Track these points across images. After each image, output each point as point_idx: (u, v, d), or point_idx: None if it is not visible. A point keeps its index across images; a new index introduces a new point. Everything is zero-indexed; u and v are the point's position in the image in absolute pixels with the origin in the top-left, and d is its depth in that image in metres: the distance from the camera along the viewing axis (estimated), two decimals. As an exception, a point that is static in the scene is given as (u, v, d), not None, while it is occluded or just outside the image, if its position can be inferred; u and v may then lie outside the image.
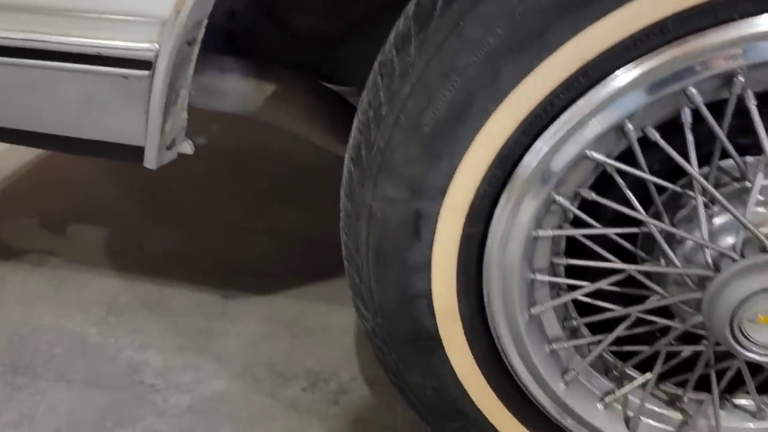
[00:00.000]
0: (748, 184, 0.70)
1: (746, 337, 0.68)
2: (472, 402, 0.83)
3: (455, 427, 0.87)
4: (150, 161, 0.83)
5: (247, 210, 1.66)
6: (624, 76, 0.63)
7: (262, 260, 1.48)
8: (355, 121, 0.75)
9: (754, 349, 0.68)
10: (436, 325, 0.79)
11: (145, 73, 0.71)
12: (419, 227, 0.73)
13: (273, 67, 0.99)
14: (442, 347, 0.80)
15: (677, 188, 0.71)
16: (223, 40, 1.06)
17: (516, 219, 0.72)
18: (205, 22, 0.71)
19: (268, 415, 1.10)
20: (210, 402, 1.13)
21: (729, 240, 0.70)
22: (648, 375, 0.82)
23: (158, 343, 1.26)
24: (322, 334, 1.28)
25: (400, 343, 0.82)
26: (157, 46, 0.69)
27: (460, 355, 0.81)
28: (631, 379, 0.83)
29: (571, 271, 0.80)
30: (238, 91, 0.96)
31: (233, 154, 1.89)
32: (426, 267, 0.76)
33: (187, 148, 0.89)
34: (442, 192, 0.71)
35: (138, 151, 0.84)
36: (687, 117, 0.67)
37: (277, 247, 1.52)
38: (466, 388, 0.83)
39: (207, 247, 1.53)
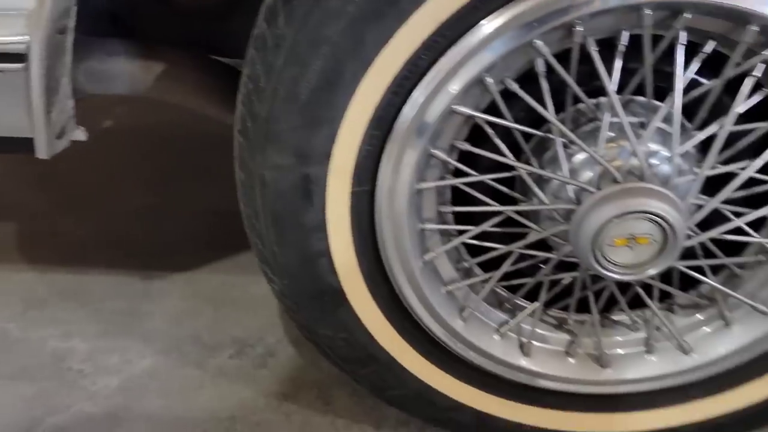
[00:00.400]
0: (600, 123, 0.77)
1: (607, 260, 0.76)
2: (381, 347, 0.90)
3: (369, 372, 0.93)
4: (41, 151, 0.84)
5: (158, 189, 1.66)
6: (476, 34, 0.68)
7: (178, 238, 1.50)
8: (239, 95, 0.78)
9: (614, 269, 0.77)
10: (339, 280, 0.84)
11: (20, 66, 0.71)
12: (310, 191, 0.78)
13: (159, 46, 1.00)
14: (347, 300, 0.86)
15: (539, 133, 0.78)
16: (107, 22, 1.05)
17: (399, 174, 0.77)
18: (74, 9, 0.71)
19: (197, 385, 1.14)
20: (139, 379, 1.16)
21: (587, 175, 0.78)
22: (536, 304, 0.91)
23: (82, 330, 1.27)
24: (245, 303, 1.32)
25: (308, 301, 0.87)
26: (27, 38, 0.69)
27: (364, 306, 0.87)
28: (522, 308, 0.92)
29: (461, 217, 0.87)
30: (127, 73, 0.97)
31: (139, 134, 1.87)
32: (322, 227, 0.81)
33: (79, 135, 0.90)
34: (327, 156, 0.75)
35: (29, 143, 0.85)
36: (540, 67, 0.73)
37: (191, 224, 1.53)
38: (373, 335, 0.89)
39: (122, 231, 1.53)
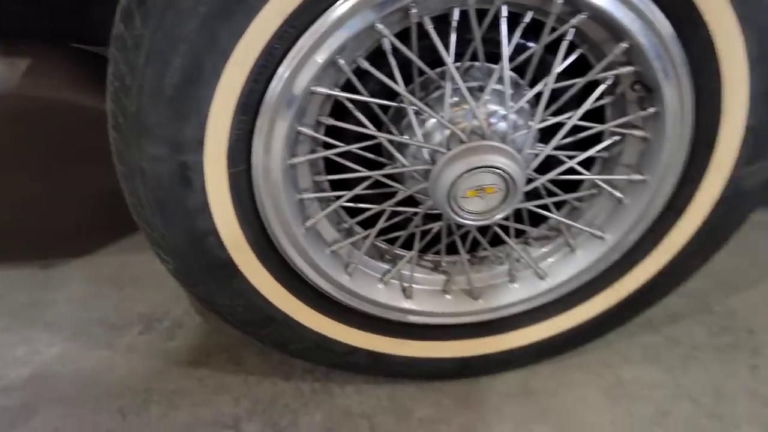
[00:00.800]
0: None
1: (462, 209, 0.88)
2: (277, 308, 0.99)
3: (270, 332, 1.02)
4: None
5: (44, 175, 1.63)
6: (322, 23, 0.75)
7: (72, 222, 1.50)
8: (107, 92, 0.81)
9: (469, 216, 0.88)
10: (229, 254, 0.91)
11: None
12: (189, 177, 0.83)
13: (21, 42, 0.99)
14: (239, 271, 0.93)
15: (393, 104, 0.87)
16: (-40, 19, 1.02)
17: (270, 153, 0.84)
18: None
19: (110, 364, 1.19)
20: (50, 367, 1.19)
21: (438, 137, 0.88)
22: (412, 252, 1.02)
23: (-17, 327, 1.28)
24: (148, 279, 1.36)
25: (202, 276, 0.93)
26: None
27: (256, 274, 0.94)
28: (401, 257, 1.03)
29: (336, 183, 0.95)
30: (-11, 72, 0.96)
31: (14, 120, 1.80)
32: (205, 208, 0.87)
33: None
34: (200, 143, 0.81)
35: None
36: (387, 46, 0.81)
37: (83, 207, 1.53)
38: (268, 298, 0.97)
39: (13, 222, 1.50)
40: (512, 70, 0.89)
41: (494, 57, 0.87)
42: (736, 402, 1.10)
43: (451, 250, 1.04)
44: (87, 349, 1.22)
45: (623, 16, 0.78)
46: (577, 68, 0.88)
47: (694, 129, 0.88)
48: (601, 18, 0.80)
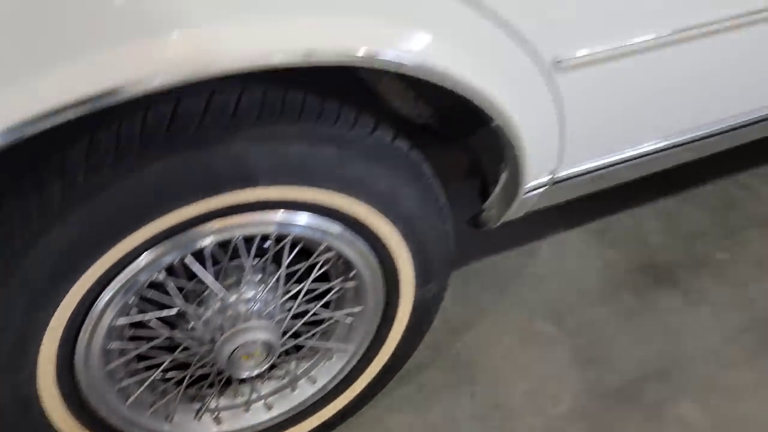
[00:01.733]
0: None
1: (241, 368, 1.25)
2: (119, 464, 1.29)
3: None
4: None
5: None
6: (116, 282, 1.07)
7: None
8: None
9: (248, 370, 1.26)
10: (70, 441, 1.21)
11: None
12: (29, 404, 1.11)
13: None
14: (81, 451, 1.23)
15: (174, 309, 1.21)
16: None
17: (90, 367, 1.14)
18: None
19: None
20: None
21: (214, 323, 1.24)
22: (215, 392, 1.37)
23: None
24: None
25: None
26: None
27: (96, 447, 1.25)
28: (208, 396, 1.38)
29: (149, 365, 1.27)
30: None
31: None
32: (47, 424, 1.15)
33: None
34: (33, 380, 1.09)
35: None
36: (168, 282, 1.15)
37: None
38: (110, 460, 1.28)
39: None
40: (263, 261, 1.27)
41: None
42: (463, 425, 1.61)
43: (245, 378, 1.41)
44: None
45: (314, 234, 1.19)
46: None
47: (384, 276, 1.33)
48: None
